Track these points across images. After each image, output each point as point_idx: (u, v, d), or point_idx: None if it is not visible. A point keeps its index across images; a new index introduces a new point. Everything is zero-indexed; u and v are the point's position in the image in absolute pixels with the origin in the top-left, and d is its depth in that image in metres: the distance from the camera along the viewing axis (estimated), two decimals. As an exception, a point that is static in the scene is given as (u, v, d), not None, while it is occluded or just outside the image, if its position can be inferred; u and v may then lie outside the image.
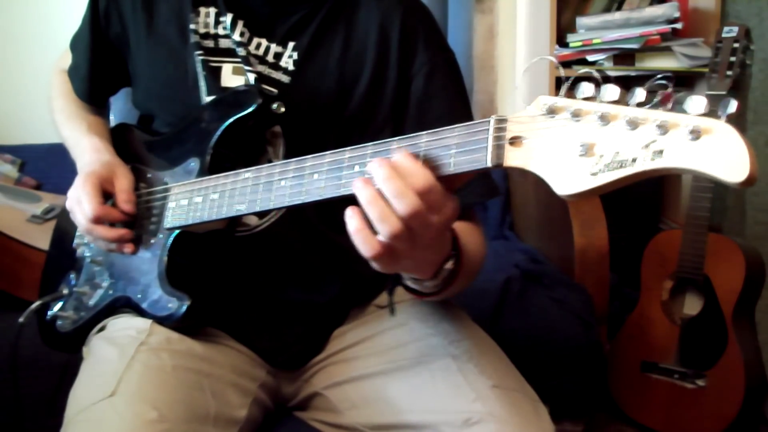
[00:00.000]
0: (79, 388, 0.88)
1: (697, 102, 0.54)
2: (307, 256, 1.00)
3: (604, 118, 0.57)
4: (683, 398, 1.70)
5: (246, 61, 0.96)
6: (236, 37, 0.97)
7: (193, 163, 0.94)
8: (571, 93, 0.60)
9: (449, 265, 0.77)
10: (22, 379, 1.09)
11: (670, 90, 0.57)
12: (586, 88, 0.59)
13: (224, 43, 0.99)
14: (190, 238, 0.93)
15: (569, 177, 0.58)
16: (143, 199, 0.98)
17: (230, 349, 0.97)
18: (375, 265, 0.69)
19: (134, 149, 1.05)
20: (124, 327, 0.95)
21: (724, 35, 1.69)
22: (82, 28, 1.09)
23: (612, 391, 1.82)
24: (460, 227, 0.85)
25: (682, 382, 1.70)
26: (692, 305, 1.74)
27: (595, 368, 1.56)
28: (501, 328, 1.45)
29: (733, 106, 0.53)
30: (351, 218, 0.66)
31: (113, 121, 1.17)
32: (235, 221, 0.94)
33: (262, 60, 0.98)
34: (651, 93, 0.58)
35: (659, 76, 0.60)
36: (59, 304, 1.06)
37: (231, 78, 0.98)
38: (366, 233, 0.66)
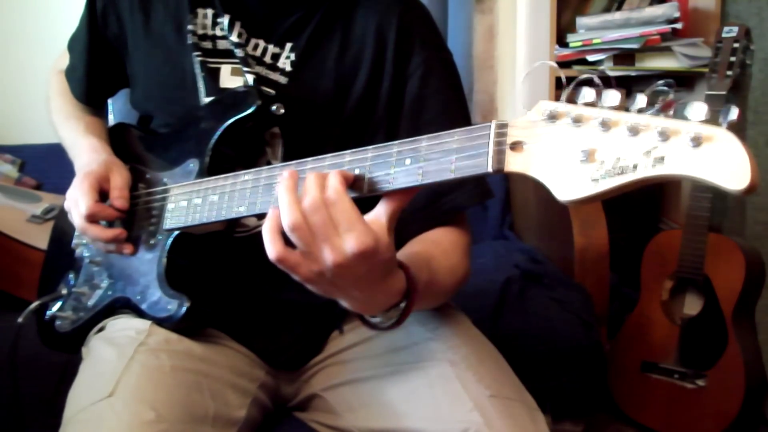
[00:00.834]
0: (77, 389, 0.88)
1: (698, 109, 0.54)
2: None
3: (606, 124, 0.57)
4: (683, 398, 1.70)
5: (244, 62, 0.96)
6: (234, 38, 0.97)
7: (192, 164, 0.94)
8: (572, 98, 0.60)
9: (397, 309, 0.76)
10: (22, 379, 1.09)
11: (671, 96, 0.57)
12: (587, 93, 0.59)
13: (222, 44, 0.99)
14: (189, 239, 0.93)
15: (570, 183, 0.58)
16: (142, 200, 0.98)
17: (229, 350, 0.97)
18: (307, 287, 0.71)
19: (133, 149, 1.05)
20: (123, 327, 0.95)
21: (724, 35, 1.69)
22: (80, 29, 1.09)
23: (612, 391, 1.82)
24: (440, 249, 0.86)
25: (682, 382, 1.70)
26: (692, 305, 1.74)
27: (595, 368, 1.56)
28: (501, 328, 1.45)
29: (734, 113, 0.53)
30: (268, 219, 0.70)
31: (113, 121, 1.17)
32: (234, 222, 0.94)
33: (259, 61, 0.98)
34: (652, 98, 0.58)
35: (661, 82, 0.60)
36: (58, 304, 1.06)
37: (230, 79, 0.98)
38: (275, 236, 0.69)
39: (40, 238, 1.53)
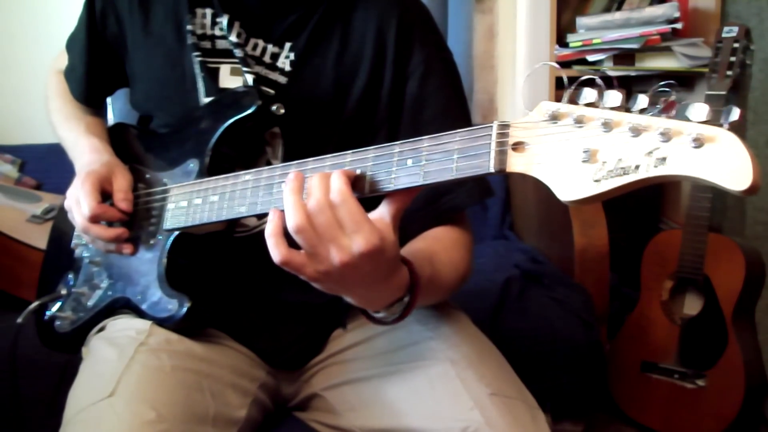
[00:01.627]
0: (78, 389, 0.88)
1: (699, 109, 0.54)
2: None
3: (607, 125, 0.57)
4: (683, 398, 1.70)
5: (244, 62, 0.96)
6: (233, 38, 0.97)
7: (192, 165, 0.93)
8: (573, 98, 0.60)
9: (401, 304, 0.77)
10: (22, 380, 1.09)
11: (673, 97, 0.57)
12: (588, 94, 0.59)
13: (221, 44, 0.99)
14: (189, 239, 0.93)
15: (572, 183, 0.58)
16: (142, 200, 0.98)
17: (230, 350, 0.97)
18: (313, 285, 0.72)
19: (132, 149, 1.05)
20: (123, 327, 0.95)
21: (724, 35, 1.69)
22: (78, 29, 1.09)
23: (612, 391, 1.82)
24: (441, 245, 0.86)
25: (682, 382, 1.70)
26: (692, 305, 1.74)
27: (595, 368, 1.56)
28: (501, 328, 1.45)
29: (735, 113, 0.53)
30: (270, 221, 0.70)
31: (113, 121, 1.17)
32: (235, 222, 0.94)
33: (259, 61, 0.98)
34: (654, 99, 0.58)
35: (662, 83, 0.60)
36: (57, 305, 1.06)
37: (229, 79, 0.98)
38: (279, 239, 0.69)
39: (40, 238, 1.53)
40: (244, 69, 0.96)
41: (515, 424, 0.82)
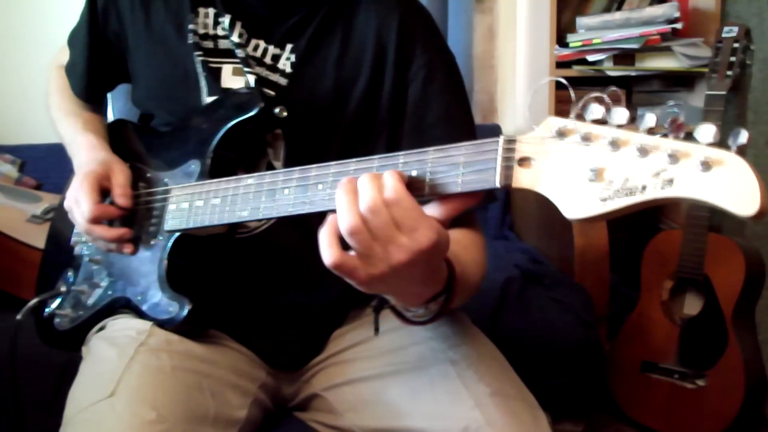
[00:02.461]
0: (78, 389, 0.88)
1: (706, 131, 0.54)
2: (306, 258, 0.99)
3: (615, 144, 0.57)
4: (683, 398, 1.70)
5: (245, 62, 0.96)
6: (235, 38, 0.97)
7: (194, 166, 0.93)
8: (580, 113, 0.60)
9: (436, 302, 0.76)
10: (22, 379, 1.09)
11: (681, 120, 0.56)
12: (595, 110, 0.59)
13: (223, 44, 0.99)
14: (190, 240, 0.93)
15: (578, 201, 0.58)
16: (143, 199, 0.98)
17: (230, 350, 0.97)
18: (354, 284, 0.69)
19: (132, 147, 1.05)
20: (123, 327, 0.95)
21: (724, 35, 1.69)
22: (80, 25, 1.09)
23: (612, 391, 1.82)
24: (461, 246, 0.84)
25: (682, 382, 1.70)
26: (692, 305, 1.74)
27: (595, 368, 1.56)
28: (501, 328, 1.45)
29: (744, 136, 0.53)
30: (327, 224, 0.67)
31: (113, 118, 1.17)
32: (236, 224, 0.94)
33: (260, 62, 0.97)
34: (662, 119, 0.58)
35: (671, 103, 0.60)
36: (57, 302, 1.06)
37: (231, 79, 0.98)
38: (332, 240, 0.66)
39: (39, 238, 1.53)
40: (246, 69, 0.96)
41: (516, 423, 0.82)
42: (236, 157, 0.94)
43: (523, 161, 0.62)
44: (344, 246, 0.66)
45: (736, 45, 1.67)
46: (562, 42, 2.02)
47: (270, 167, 0.96)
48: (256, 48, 0.98)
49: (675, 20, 1.93)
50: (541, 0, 1.98)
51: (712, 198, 0.52)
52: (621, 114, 0.58)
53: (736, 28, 1.68)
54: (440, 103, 0.96)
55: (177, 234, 0.92)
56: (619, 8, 2.05)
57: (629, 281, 1.91)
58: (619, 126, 0.58)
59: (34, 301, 1.04)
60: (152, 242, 0.95)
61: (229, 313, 0.98)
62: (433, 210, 0.69)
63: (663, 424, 1.75)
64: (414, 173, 0.68)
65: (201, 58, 0.97)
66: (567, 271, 1.69)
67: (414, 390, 0.88)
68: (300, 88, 0.96)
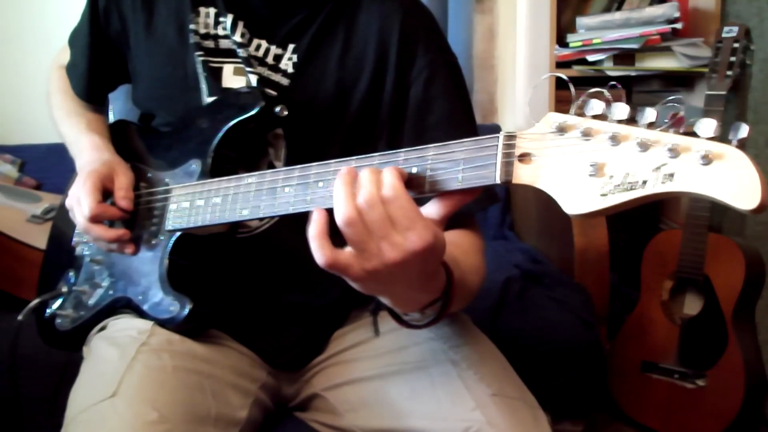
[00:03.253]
0: (79, 389, 0.88)
1: (707, 125, 0.54)
2: (307, 258, 0.99)
3: (615, 139, 0.57)
4: (683, 398, 1.70)
5: (247, 62, 0.96)
6: (237, 38, 0.97)
7: (195, 165, 0.93)
8: (580, 109, 0.60)
9: (433, 308, 0.75)
10: (22, 380, 1.08)
11: (682, 113, 0.56)
12: (596, 105, 0.59)
13: (224, 44, 0.98)
14: (191, 240, 0.93)
15: (579, 196, 0.58)
16: (144, 199, 0.98)
17: (231, 350, 0.97)
18: (354, 285, 0.68)
19: (134, 147, 1.05)
20: (125, 327, 0.95)
21: (724, 35, 1.69)
22: (81, 25, 1.09)
23: (612, 391, 1.82)
24: (460, 250, 0.84)
25: (682, 382, 1.70)
26: (692, 305, 1.74)
27: (595, 368, 1.56)
28: (501, 328, 1.45)
29: (744, 130, 0.53)
30: (314, 222, 0.66)
31: (113, 119, 1.17)
32: (237, 224, 0.94)
33: (261, 62, 0.97)
34: (662, 113, 0.58)
35: (671, 98, 0.60)
36: (58, 302, 1.06)
37: (232, 79, 0.98)
38: (323, 241, 0.65)
39: (40, 238, 1.53)
40: (247, 69, 0.96)
41: (517, 424, 0.82)
42: (237, 157, 0.94)
43: (524, 157, 0.62)
44: (336, 244, 0.66)
45: (736, 45, 1.67)
46: (562, 42, 2.02)
47: (271, 167, 0.96)
48: (258, 48, 0.98)
49: (675, 20, 1.93)
50: (541, 0, 1.98)
51: (712, 192, 0.52)
52: (621, 109, 0.58)
53: (736, 28, 1.69)
54: (442, 105, 0.96)
55: (178, 234, 0.92)
56: (619, 8, 2.06)
57: (629, 281, 1.91)
58: (620, 121, 0.58)
59: (35, 301, 1.04)
60: (153, 242, 0.95)
61: (230, 313, 0.98)
62: (431, 207, 0.69)
63: (663, 424, 1.75)
64: (414, 170, 0.68)
65: (202, 58, 0.97)
66: (567, 271, 1.69)
67: (415, 390, 0.88)
68: (302, 88, 0.96)
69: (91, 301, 1.01)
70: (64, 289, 1.05)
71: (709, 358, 1.67)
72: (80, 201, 0.93)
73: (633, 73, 2.00)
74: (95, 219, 0.92)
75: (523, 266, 1.70)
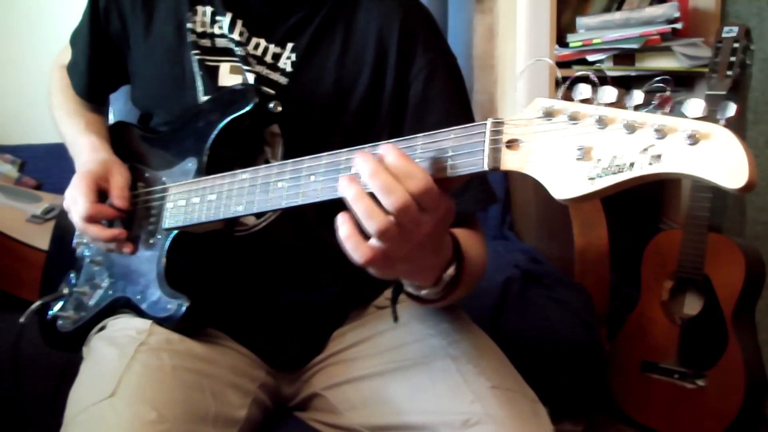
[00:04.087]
0: (78, 389, 0.88)
1: (695, 105, 0.54)
2: (305, 256, 0.99)
3: (602, 122, 0.57)
4: (683, 398, 1.70)
5: (244, 60, 0.96)
6: (235, 36, 0.97)
7: (191, 164, 0.93)
8: (568, 95, 0.60)
9: (450, 270, 0.77)
10: (23, 379, 1.09)
11: (668, 93, 0.56)
12: (583, 90, 0.59)
13: (221, 43, 0.98)
14: (188, 238, 0.93)
15: (567, 181, 0.58)
16: (141, 199, 0.98)
17: (230, 350, 0.97)
18: (371, 271, 0.68)
19: (132, 148, 1.05)
20: (124, 327, 0.95)
21: (724, 35, 1.69)
22: (82, 25, 1.09)
23: (612, 391, 1.82)
24: (462, 234, 0.85)
25: (682, 382, 1.70)
26: (692, 305, 1.74)
27: (595, 368, 1.56)
28: (501, 328, 1.45)
29: (732, 109, 0.53)
30: (342, 225, 0.66)
31: (113, 120, 1.17)
32: (234, 221, 0.94)
33: (260, 60, 0.97)
34: (649, 95, 0.57)
35: (658, 78, 0.60)
36: (59, 304, 1.06)
37: (228, 77, 0.98)
38: (357, 239, 0.65)
39: (40, 238, 1.53)
40: (245, 67, 0.96)
41: (516, 415, 0.82)
42: (233, 155, 0.94)
43: (512, 143, 0.62)
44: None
45: (736, 45, 1.67)
46: (562, 42, 2.02)
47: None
48: (256, 46, 0.98)
49: (675, 20, 1.93)
50: (541, 0, 1.98)
51: (699, 172, 0.52)
52: (609, 93, 0.58)
53: (736, 28, 1.68)
54: (440, 105, 0.96)
55: (175, 232, 0.92)
56: (619, 8, 2.06)
57: (629, 281, 1.91)
58: (607, 104, 0.57)
59: (37, 303, 1.05)
60: (151, 241, 0.95)
61: (228, 313, 0.98)
62: None
63: (663, 424, 1.75)
64: None
65: (198, 57, 0.97)
66: (567, 271, 1.69)
67: (415, 386, 0.89)
68: (300, 87, 0.96)
69: (92, 302, 1.02)
70: (66, 290, 1.06)
71: (709, 358, 1.67)
72: (76, 201, 0.93)
73: (633, 73, 2.00)
74: (91, 219, 0.92)
75: (523, 266, 1.70)
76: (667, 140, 0.53)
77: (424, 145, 0.68)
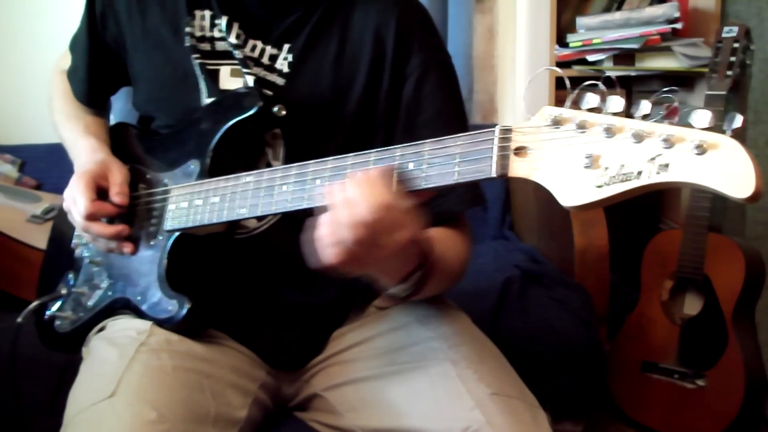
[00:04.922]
0: (78, 389, 0.88)
1: (702, 116, 0.54)
2: (305, 258, 0.99)
3: (610, 131, 0.57)
4: (683, 398, 1.70)
5: (243, 63, 0.96)
6: (232, 39, 0.97)
7: (193, 166, 0.93)
8: (575, 102, 0.60)
9: (416, 275, 0.79)
10: (22, 380, 1.09)
11: (676, 104, 0.57)
12: (590, 98, 0.59)
13: (221, 46, 0.98)
14: (189, 240, 0.93)
15: (574, 189, 0.58)
16: (143, 200, 0.98)
17: (230, 350, 0.97)
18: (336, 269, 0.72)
19: (133, 149, 1.05)
20: (124, 327, 0.95)
21: (724, 35, 1.69)
22: (80, 30, 1.09)
23: (612, 391, 1.82)
24: (438, 234, 0.86)
25: (682, 382, 1.70)
26: (692, 305, 1.74)
27: (595, 368, 1.56)
28: (501, 328, 1.45)
29: (738, 120, 0.53)
30: (322, 228, 0.70)
31: (114, 121, 1.17)
32: (235, 224, 0.94)
33: (257, 62, 0.97)
34: (656, 105, 0.58)
35: (665, 89, 0.60)
36: (57, 304, 1.06)
37: (229, 80, 0.98)
38: (330, 241, 0.70)
39: (40, 238, 1.53)
40: (244, 70, 0.96)
41: (516, 423, 0.82)
42: (236, 157, 0.94)
43: (519, 150, 0.62)
44: None
45: (736, 45, 1.67)
46: (562, 42, 2.02)
47: (269, 167, 0.96)
48: (253, 48, 0.98)
49: (675, 20, 1.93)
50: (541, 0, 1.98)
51: (707, 182, 0.52)
52: (616, 102, 0.58)
53: (736, 28, 1.68)
54: (433, 103, 0.96)
55: (177, 234, 0.92)
56: (619, 8, 2.06)
57: (629, 281, 1.91)
58: (615, 114, 0.58)
59: (34, 303, 1.05)
60: (152, 242, 0.95)
61: (229, 313, 0.98)
62: None
63: (663, 424, 1.75)
64: (411, 166, 0.69)
65: (198, 61, 0.97)
66: (567, 271, 1.69)
67: (414, 390, 0.89)
68: (298, 88, 0.96)
69: (90, 303, 1.02)
70: (64, 290, 1.06)
71: (709, 358, 1.67)
72: (76, 200, 0.93)
73: (633, 73, 2.00)
74: (92, 217, 0.92)
75: (523, 266, 1.70)
76: (675, 149, 0.54)
77: (431, 150, 0.68)
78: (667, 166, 0.54)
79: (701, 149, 0.53)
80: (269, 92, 0.96)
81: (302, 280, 0.99)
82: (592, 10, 2.07)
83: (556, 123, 0.60)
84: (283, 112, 0.91)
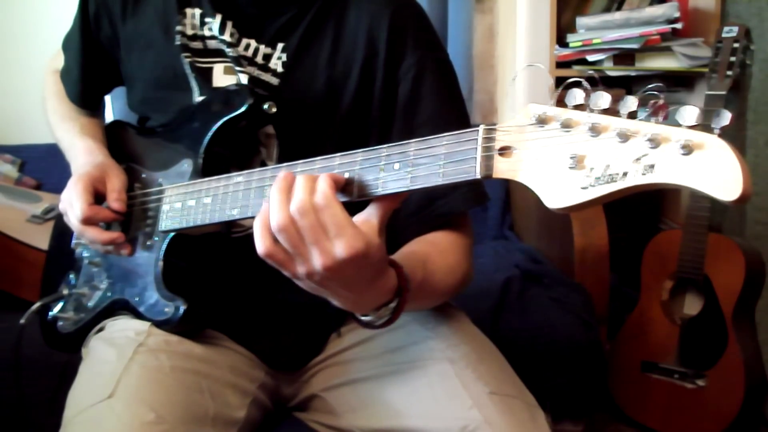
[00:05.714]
0: (77, 390, 0.88)
1: (689, 113, 0.52)
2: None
3: (595, 130, 0.55)
4: (683, 398, 1.70)
5: (236, 61, 0.96)
6: (226, 37, 0.97)
7: (186, 165, 0.93)
8: (562, 100, 0.58)
9: (388, 308, 0.76)
10: (23, 380, 1.09)
11: (662, 101, 0.55)
12: (577, 95, 0.58)
13: (212, 44, 0.98)
14: (186, 240, 0.93)
15: (559, 190, 0.56)
16: (138, 200, 0.98)
17: (229, 350, 0.97)
18: (299, 284, 0.71)
19: (129, 148, 1.05)
20: (122, 328, 0.95)
21: (724, 35, 1.69)
22: (73, 30, 1.09)
23: (612, 391, 1.82)
24: (431, 249, 0.85)
25: (682, 382, 1.70)
26: (692, 305, 1.74)
27: (595, 368, 1.56)
28: (501, 328, 1.46)
29: (726, 117, 0.51)
30: (261, 212, 0.69)
31: (114, 118, 1.17)
32: (231, 223, 0.94)
33: (251, 61, 0.97)
34: (644, 101, 0.56)
35: (651, 85, 0.59)
36: (60, 305, 1.06)
37: (222, 78, 0.98)
38: (264, 231, 0.69)
39: (40, 238, 1.54)
40: (237, 68, 0.96)
41: (514, 422, 0.82)
42: (229, 156, 0.93)
43: (504, 150, 0.60)
44: None
45: (736, 45, 1.67)
46: (562, 42, 2.02)
47: (263, 166, 0.95)
48: (247, 47, 0.98)
49: (675, 20, 1.93)
50: (541, 0, 1.98)
51: (693, 183, 0.50)
52: (603, 99, 0.56)
53: (736, 28, 1.68)
54: (430, 103, 0.95)
55: (172, 234, 0.92)
56: (619, 8, 2.05)
57: (629, 281, 1.91)
58: (601, 111, 0.56)
59: (37, 304, 1.05)
60: (148, 243, 0.95)
61: (227, 314, 0.98)
62: (370, 210, 0.71)
63: (663, 424, 1.75)
64: (397, 166, 0.68)
65: (188, 60, 0.97)
66: (567, 271, 1.69)
67: (413, 390, 0.88)
68: (292, 87, 0.96)
69: (91, 303, 1.02)
70: (65, 291, 1.06)
71: (709, 358, 1.67)
72: (72, 204, 0.93)
73: (633, 73, 2.00)
74: (88, 221, 0.92)
75: (523, 266, 1.70)
76: (661, 150, 0.52)
77: (416, 150, 0.67)
78: (652, 167, 0.52)
79: (687, 149, 0.51)
80: (263, 92, 0.95)
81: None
82: (592, 10, 2.07)
83: (541, 121, 0.59)
84: (274, 109, 0.90)
